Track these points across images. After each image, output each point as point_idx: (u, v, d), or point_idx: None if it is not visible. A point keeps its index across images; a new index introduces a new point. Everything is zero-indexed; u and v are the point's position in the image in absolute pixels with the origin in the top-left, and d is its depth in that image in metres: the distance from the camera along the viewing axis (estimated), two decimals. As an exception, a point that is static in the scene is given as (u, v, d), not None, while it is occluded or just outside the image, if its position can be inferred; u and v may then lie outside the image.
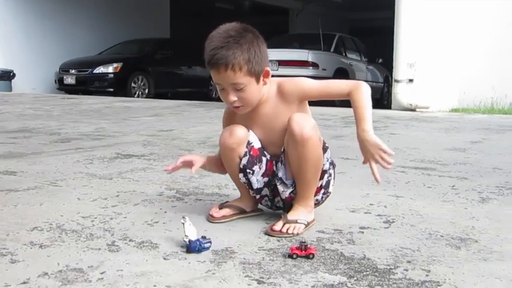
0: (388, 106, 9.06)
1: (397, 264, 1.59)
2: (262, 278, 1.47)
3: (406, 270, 1.55)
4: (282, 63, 9.99)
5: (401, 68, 8.31)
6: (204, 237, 1.68)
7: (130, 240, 1.78)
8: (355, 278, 1.48)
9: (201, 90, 13.61)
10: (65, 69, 12.63)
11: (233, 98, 1.87)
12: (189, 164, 2.05)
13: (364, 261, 1.62)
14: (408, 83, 8.21)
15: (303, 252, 1.63)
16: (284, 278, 1.48)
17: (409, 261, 1.62)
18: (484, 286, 1.44)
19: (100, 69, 12.33)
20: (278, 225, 1.88)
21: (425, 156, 3.64)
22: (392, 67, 8.61)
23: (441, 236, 1.89)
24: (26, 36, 13.38)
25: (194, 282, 1.43)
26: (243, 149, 2.00)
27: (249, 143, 2.01)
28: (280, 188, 2.00)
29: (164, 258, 1.61)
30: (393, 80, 8.58)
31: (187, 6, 18.77)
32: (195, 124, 5.70)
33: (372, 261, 1.62)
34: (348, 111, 6.88)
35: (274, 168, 2.04)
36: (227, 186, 2.57)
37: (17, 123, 5.46)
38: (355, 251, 1.71)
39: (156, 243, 1.74)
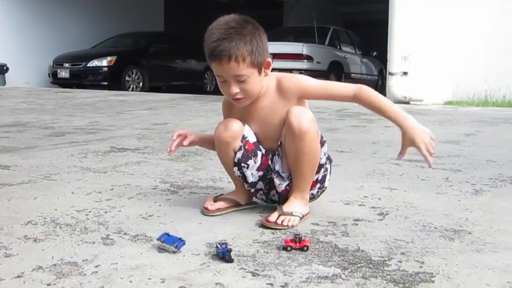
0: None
1: (391, 256, 1.60)
2: (257, 270, 1.48)
3: (400, 261, 1.56)
4: (277, 56, 9.97)
5: (395, 61, 8.32)
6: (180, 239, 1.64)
7: (124, 234, 1.78)
8: (349, 270, 1.49)
9: (196, 84, 13.58)
10: (58, 62, 12.58)
11: (235, 90, 1.86)
12: (183, 137, 2.07)
13: (358, 253, 1.63)
14: (402, 76, 8.22)
15: (297, 244, 1.63)
16: (278, 270, 1.48)
17: (403, 253, 1.63)
18: (477, 277, 1.45)
19: (94, 63, 12.29)
20: (273, 217, 1.88)
21: (420, 149, 3.64)
22: (386, 60, 8.62)
23: (435, 227, 1.89)
24: (19, 29, 13.31)
25: (189, 275, 1.44)
26: (238, 143, 2.00)
27: (244, 137, 2.00)
28: (277, 181, 2.00)
29: (159, 252, 1.61)
30: (387, 72, 8.58)
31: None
32: (189, 117, 5.69)
33: (366, 253, 1.62)
34: (342, 105, 6.90)
35: (270, 162, 2.04)
36: (222, 180, 2.57)
37: (11, 117, 5.44)
38: (349, 243, 1.71)
39: (150, 237, 1.74)
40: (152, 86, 12.58)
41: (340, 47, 12.59)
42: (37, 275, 1.42)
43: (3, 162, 3.00)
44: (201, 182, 2.56)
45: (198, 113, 6.18)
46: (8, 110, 6.32)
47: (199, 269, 1.48)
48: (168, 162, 3.05)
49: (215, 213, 2.01)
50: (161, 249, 1.61)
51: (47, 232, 1.79)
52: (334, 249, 1.66)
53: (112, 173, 2.77)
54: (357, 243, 1.71)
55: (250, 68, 1.84)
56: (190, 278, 1.42)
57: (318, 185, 2.05)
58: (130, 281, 1.39)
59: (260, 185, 2.07)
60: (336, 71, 11.71)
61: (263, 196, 2.11)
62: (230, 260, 1.52)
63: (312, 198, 2.06)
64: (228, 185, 2.34)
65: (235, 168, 2.03)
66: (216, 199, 2.08)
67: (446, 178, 2.73)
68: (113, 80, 12.06)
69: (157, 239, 1.62)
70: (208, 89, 13.62)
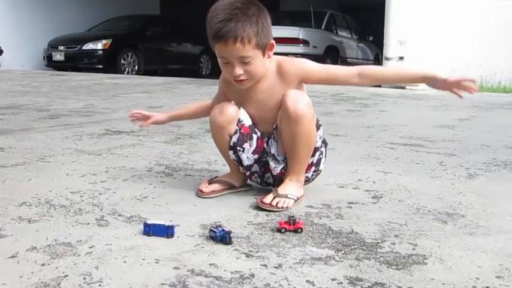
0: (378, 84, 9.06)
1: (384, 238, 1.61)
2: (251, 251, 1.48)
3: (393, 244, 1.57)
4: (273, 40, 9.91)
5: (391, 46, 8.31)
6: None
7: (119, 215, 1.78)
8: (342, 252, 1.50)
9: (191, 67, 13.52)
10: (53, 45, 12.50)
11: (239, 71, 1.85)
12: (145, 118, 2.30)
13: (352, 235, 1.64)
14: (398, 61, 8.21)
15: (291, 226, 1.64)
16: (272, 251, 1.49)
17: (396, 236, 1.64)
18: (469, 260, 1.46)
19: (89, 46, 12.21)
20: (268, 198, 1.89)
21: (414, 133, 3.65)
22: (382, 45, 8.60)
23: (428, 211, 1.90)
24: (14, 12, 13.22)
25: (183, 255, 1.44)
26: (234, 127, 1.99)
27: (239, 121, 2.00)
28: (272, 164, 2.00)
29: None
30: (383, 57, 8.57)
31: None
32: (185, 101, 5.67)
33: (359, 235, 1.63)
34: (338, 89, 6.90)
35: (265, 145, 2.04)
36: (216, 162, 2.58)
37: (5, 100, 5.42)
38: (343, 226, 1.72)
39: (145, 218, 1.74)
40: (147, 70, 12.51)
41: (336, 32, 12.54)
42: (31, 255, 1.42)
43: (-3, 144, 2.99)
44: (196, 165, 2.56)
45: (194, 97, 6.16)
46: (3, 92, 6.29)
47: (193, 250, 1.49)
48: (163, 145, 3.05)
49: (210, 196, 2.01)
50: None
51: (41, 213, 1.79)
52: (328, 231, 1.67)
53: (107, 155, 2.76)
54: (350, 226, 1.72)
55: (255, 49, 1.82)
56: (184, 258, 1.42)
57: (313, 168, 2.05)
58: (125, 262, 1.39)
59: (255, 167, 2.07)
60: (332, 56, 11.69)
61: (258, 179, 2.11)
62: (230, 243, 1.52)
63: (307, 181, 2.07)
64: (222, 167, 2.34)
65: (231, 152, 2.03)
66: (210, 181, 2.08)
67: (441, 162, 2.74)
68: (108, 63, 12.00)
69: (144, 234, 1.58)
70: (204, 72, 13.58)
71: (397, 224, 1.75)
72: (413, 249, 1.53)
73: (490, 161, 2.79)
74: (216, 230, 1.55)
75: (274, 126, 1.99)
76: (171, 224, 1.59)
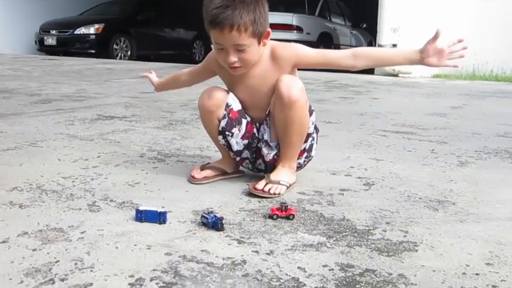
0: (371, 71, 9.06)
1: (375, 225, 1.62)
2: (243, 238, 1.49)
3: (385, 231, 1.57)
4: (266, 26, 9.86)
5: (385, 33, 8.30)
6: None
7: (111, 201, 1.78)
8: (334, 238, 1.50)
9: (184, 53, 13.45)
10: (45, 29, 12.38)
11: (233, 58, 1.83)
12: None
13: (344, 222, 1.64)
14: (392, 48, 8.21)
15: (283, 213, 1.64)
16: (264, 238, 1.49)
17: (387, 223, 1.65)
18: (460, 247, 1.47)
19: (81, 30, 12.11)
20: (260, 184, 1.89)
21: (406, 121, 3.66)
22: (376, 32, 8.59)
23: (419, 198, 1.91)
24: (4, -5, 13.08)
25: (175, 241, 1.44)
26: (222, 112, 1.99)
27: (228, 106, 1.98)
28: (265, 150, 2.00)
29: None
30: (377, 44, 8.56)
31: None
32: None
33: (351, 222, 1.64)
34: (330, 76, 6.89)
35: (255, 130, 2.04)
36: (209, 148, 2.57)
37: (-4, 84, 5.38)
38: (334, 212, 1.73)
39: (137, 204, 1.74)
40: (140, 55, 12.43)
41: (330, 18, 12.50)
42: (22, 240, 1.42)
43: (-12, 129, 2.97)
44: (188, 151, 2.56)
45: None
46: (-6, 76, 6.24)
47: (185, 236, 1.49)
48: (155, 131, 3.04)
49: (202, 182, 2.01)
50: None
51: (32, 198, 1.78)
52: (320, 218, 1.67)
53: (99, 140, 2.75)
54: (342, 213, 1.73)
55: (251, 37, 1.80)
56: (176, 244, 1.42)
57: (305, 154, 2.05)
58: (116, 247, 1.39)
59: (246, 153, 2.07)
60: (326, 42, 11.65)
61: (249, 165, 2.11)
62: (221, 229, 1.53)
63: (299, 167, 2.07)
64: (215, 153, 2.34)
65: (220, 137, 2.02)
66: (203, 167, 2.08)
67: (432, 150, 2.75)
68: (101, 48, 11.90)
69: (137, 220, 1.58)
70: (197, 58, 13.50)
71: (388, 211, 1.76)
72: (404, 236, 1.54)
73: (481, 149, 2.81)
74: (208, 216, 1.55)
75: (267, 113, 1.98)
76: (163, 210, 1.59)
